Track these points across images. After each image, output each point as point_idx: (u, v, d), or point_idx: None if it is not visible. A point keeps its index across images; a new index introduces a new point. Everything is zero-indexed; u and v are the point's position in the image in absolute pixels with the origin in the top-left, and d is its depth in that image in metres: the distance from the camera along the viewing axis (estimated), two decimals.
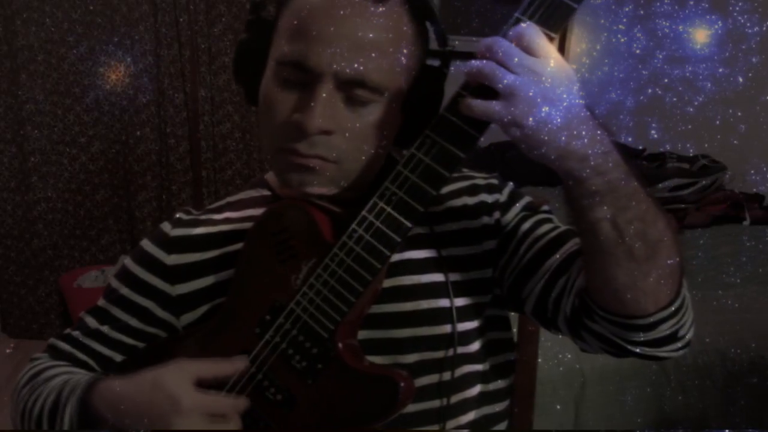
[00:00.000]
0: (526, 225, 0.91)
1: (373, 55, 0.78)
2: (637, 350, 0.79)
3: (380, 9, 0.79)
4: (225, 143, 3.24)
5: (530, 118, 0.67)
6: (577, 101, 0.69)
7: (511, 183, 0.98)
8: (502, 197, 0.95)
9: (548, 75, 0.68)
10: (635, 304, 0.74)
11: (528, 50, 0.69)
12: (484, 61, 0.69)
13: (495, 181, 0.97)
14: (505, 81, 0.68)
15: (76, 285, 3.02)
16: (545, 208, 0.96)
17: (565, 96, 0.68)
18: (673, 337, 0.78)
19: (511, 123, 0.68)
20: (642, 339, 0.77)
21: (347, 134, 0.81)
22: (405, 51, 0.82)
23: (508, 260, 0.91)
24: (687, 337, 0.80)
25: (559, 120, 0.67)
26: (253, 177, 3.23)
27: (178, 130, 3.14)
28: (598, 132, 0.70)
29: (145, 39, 3.02)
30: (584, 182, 0.70)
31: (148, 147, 3.13)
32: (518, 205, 0.94)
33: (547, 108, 0.67)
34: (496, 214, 0.93)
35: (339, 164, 0.82)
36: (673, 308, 0.76)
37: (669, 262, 0.74)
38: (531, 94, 0.67)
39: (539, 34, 0.69)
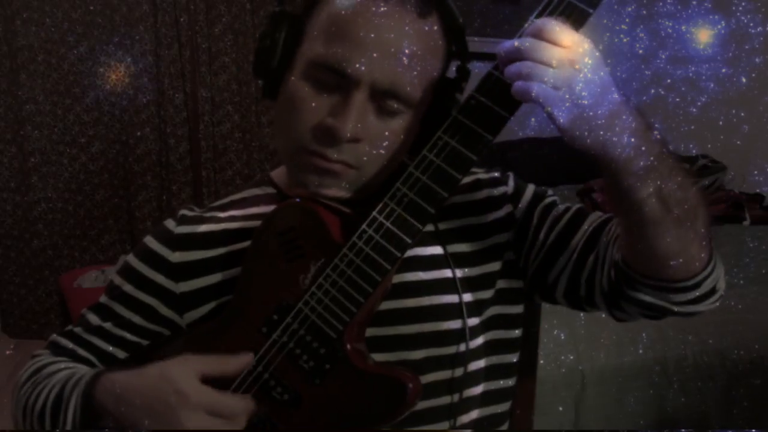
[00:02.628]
0: (540, 210, 0.93)
1: (410, 68, 0.79)
2: (681, 309, 0.81)
3: (422, 23, 0.80)
4: (225, 143, 3.25)
5: (584, 110, 0.68)
6: (614, 86, 0.70)
7: (511, 173, 0.99)
8: (509, 189, 0.96)
9: (585, 64, 0.69)
10: (685, 267, 0.77)
11: (556, 42, 0.70)
12: (521, 62, 0.70)
13: (497, 174, 0.98)
14: (548, 77, 0.68)
15: (76, 285, 3.01)
16: (550, 191, 0.97)
17: (606, 83, 0.69)
18: (713, 291, 0.81)
19: (567, 114, 0.69)
20: (687, 298, 0.80)
21: (373, 143, 0.82)
22: (436, 66, 0.83)
23: (529, 248, 0.92)
24: (722, 288, 0.83)
25: (608, 108, 0.69)
26: (253, 177, 3.23)
27: (178, 130, 3.14)
28: (637, 113, 0.72)
29: (145, 39, 3.02)
30: (632, 162, 0.71)
31: (148, 147, 3.13)
32: (527, 193, 0.96)
33: (594, 99, 0.68)
34: (507, 207, 0.94)
35: (360, 170, 0.83)
36: (712, 263, 0.79)
37: (706, 220, 0.77)
38: (578, 87, 0.68)
39: (561, 25, 0.70)
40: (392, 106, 0.81)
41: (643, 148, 0.71)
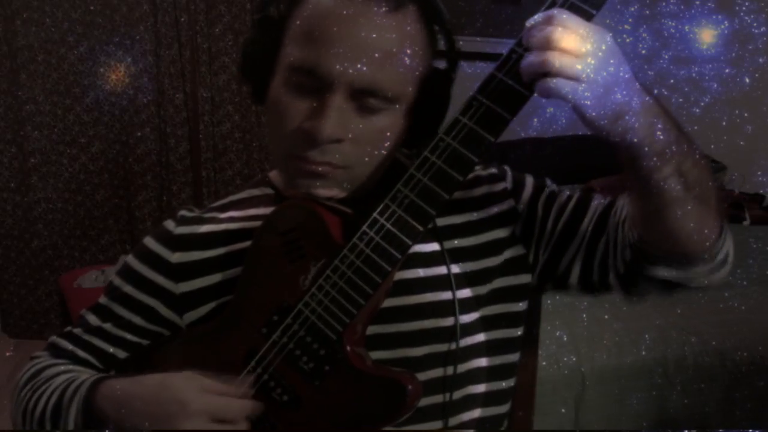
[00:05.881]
0: (544, 200, 0.93)
1: (387, 64, 0.78)
2: (699, 282, 0.83)
3: (395, 17, 0.79)
4: (225, 143, 3.24)
5: (609, 99, 0.68)
6: (630, 70, 0.70)
7: (508, 167, 0.99)
8: (508, 184, 0.96)
9: (605, 51, 0.68)
10: (703, 240, 0.78)
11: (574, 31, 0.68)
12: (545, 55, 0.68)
13: (494, 170, 0.98)
14: (577, 69, 0.67)
15: (76, 285, 3.00)
16: (548, 181, 0.98)
17: (624, 67, 0.69)
18: (725, 260, 0.83)
19: (593, 106, 0.68)
20: (705, 269, 0.81)
21: (358, 141, 0.81)
22: (417, 58, 0.82)
23: (538, 240, 0.93)
24: (732, 256, 0.85)
25: (629, 93, 0.69)
26: (253, 177, 3.23)
27: (178, 130, 3.13)
28: (651, 93, 0.72)
29: (145, 39, 3.01)
30: (655, 142, 0.71)
31: (148, 147, 3.13)
32: (528, 187, 0.96)
33: (617, 86, 0.68)
34: (509, 202, 0.94)
35: (348, 169, 0.83)
36: (724, 232, 0.81)
37: (716, 192, 0.79)
38: (600, 75, 0.67)
39: (572, 16, 0.69)
40: (373, 103, 0.80)
41: (664, 127, 0.71)
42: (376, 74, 0.78)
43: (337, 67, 0.77)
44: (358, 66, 0.77)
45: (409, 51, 0.81)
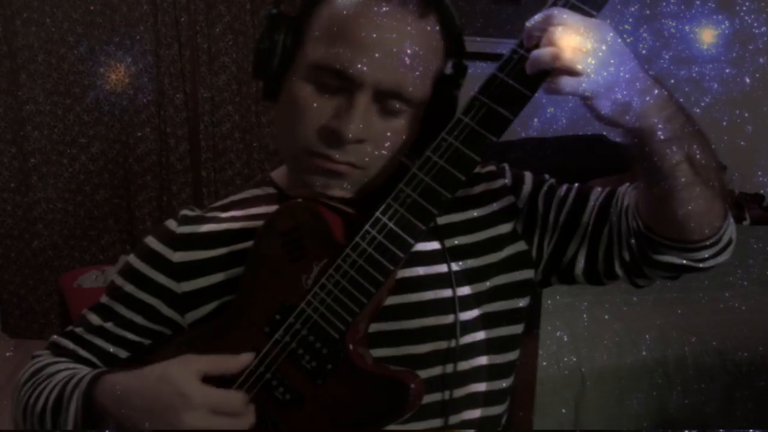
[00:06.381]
0: (544, 195, 0.94)
1: (413, 68, 0.80)
2: (705, 264, 0.84)
3: (421, 23, 0.81)
4: (225, 143, 3.24)
5: (616, 95, 0.69)
6: (636, 60, 0.71)
7: (507, 164, 1.00)
8: (508, 181, 0.96)
9: (609, 46, 0.68)
10: (710, 225, 0.80)
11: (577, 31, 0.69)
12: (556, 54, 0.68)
13: (493, 168, 0.99)
14: (581, 64, 0.67)
15: (76, 285, 3.01)
16: (546, 175, 0.99)
17: (630, 58, 0.70)
18: (729, 242, 0.84)
19: (602, 100, 0.69)
20: (711, 253, 0.83)
21: (377, 143, 0.82)
22: (436, 64, 0.84)
23: (541, 234, 0.93)
24: (735, 237, 0.86)
25: (639, 86, 0.70)
26: (253, 177, 3.23)
27: (178, 130, 3.13)
28: (657, 81, 0.73)
29: (145, 39, 3.02)
30: (665, 130, 0.72)
31: (148, 147, 3.13)
32: (527, 182, 0.96)
33: (627, 81, 0.69)
34: (509, 198, 0.95)
35: (365, 170, 0.84)
36: (728, 215, 0.83)
37: (721, 176, 0.80)
38: (606, 70, 0.68)
39: (573, 14, 0.69)
40: (395, 106, 0.81)
41: (672, 115, 0.72)
42: (403, 77, 0.80)
43: (368, 68, 0.78)
44: (388, 68, 0.79)
45: (431, 57, 0.83)
